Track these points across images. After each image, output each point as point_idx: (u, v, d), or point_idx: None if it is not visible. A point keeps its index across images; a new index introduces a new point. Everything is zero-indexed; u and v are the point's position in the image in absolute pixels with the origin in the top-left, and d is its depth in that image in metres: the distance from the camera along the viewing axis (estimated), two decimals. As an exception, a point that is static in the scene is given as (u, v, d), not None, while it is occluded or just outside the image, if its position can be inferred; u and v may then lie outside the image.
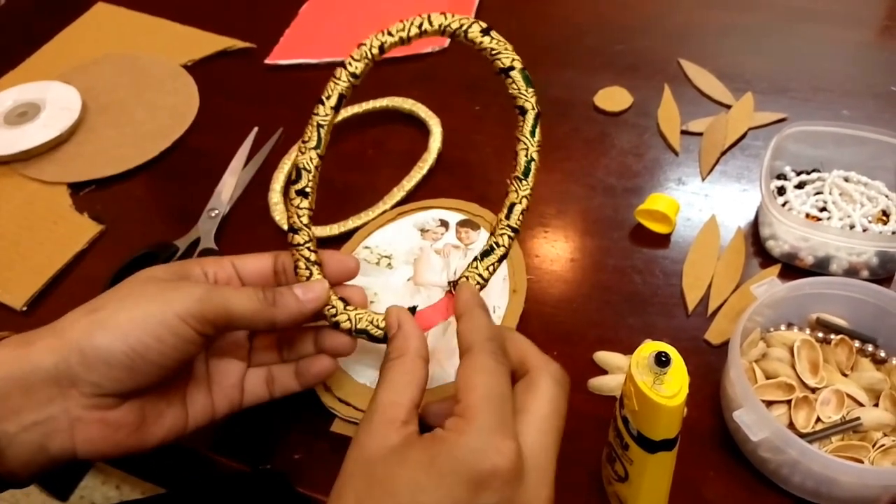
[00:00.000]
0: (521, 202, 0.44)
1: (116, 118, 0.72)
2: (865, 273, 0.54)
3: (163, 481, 0.64)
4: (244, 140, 0.69)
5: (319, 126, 0.44)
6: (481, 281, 0.43)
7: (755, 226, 0.58)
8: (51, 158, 0.68)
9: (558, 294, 0.56)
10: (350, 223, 0.60)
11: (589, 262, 0.58)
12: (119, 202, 0.65)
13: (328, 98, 0.44)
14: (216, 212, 0.62)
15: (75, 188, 0.66)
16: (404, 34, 0.44)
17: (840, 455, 0.42)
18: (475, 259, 0.43)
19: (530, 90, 0.44)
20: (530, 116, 0.44)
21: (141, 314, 0.36)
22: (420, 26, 0.44)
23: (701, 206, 0.61)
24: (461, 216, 0.57)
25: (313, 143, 0.44)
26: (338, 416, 0.47)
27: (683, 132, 0.67)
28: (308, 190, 0.43)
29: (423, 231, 0.57)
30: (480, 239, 0.55)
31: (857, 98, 0.69)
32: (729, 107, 0.68)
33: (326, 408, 0.48)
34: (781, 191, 0.59)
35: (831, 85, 0.70)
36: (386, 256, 0.55)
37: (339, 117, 0.68)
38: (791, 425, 0.45)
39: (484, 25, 0.44)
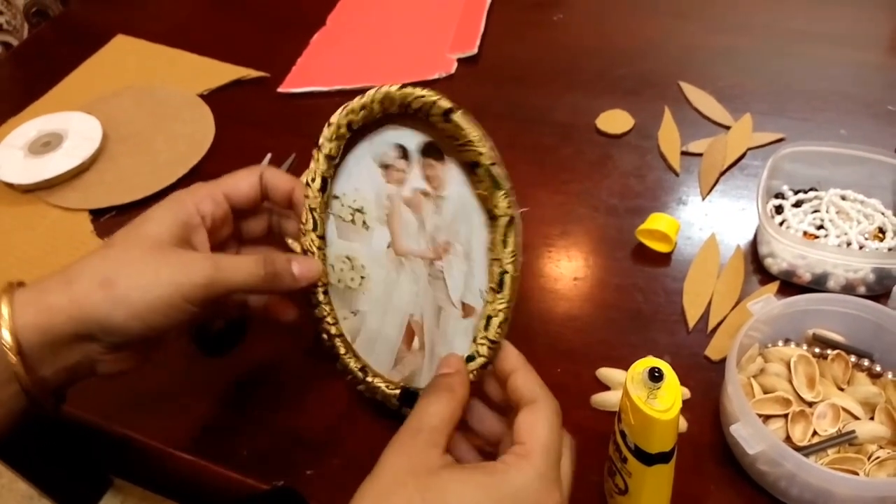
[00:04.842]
0: (497, 315, 0.44)
1: (136, 147, 0.75)
2: (862, 289, 0.55)
3: (180, 498, 0.65)
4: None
5: (311, 209, 0.45)
6: None
7: (754, 244, 0.60)
8: (73, 186, 0.71)
9: (563, 312, 0.57)
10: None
11: (592, 281, 0.59)
12: (138, 228, 0.68)
13: (311, 180, 0.45)
14: (231, 236, 0.64)
15: (96, 215, 0.69)
16: (367, 111, 0.45)
17: (836, 467, 0.43)
18: None
19: (500, 193, 0.44)
20: (500, 224, 0.44)
21: (153, 297, 0.40)
22: (382, 102, 0.46)
23: (701, 225, 0.62)
24: (422, 138, 0.49)
25: (309, 226, 0.45)
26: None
27: (684, 153, 0.68)
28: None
29: (384, 167, 0.49)
30: (450, 179, 0.48)
31: (855, 117, 0.70)
32: (728, 128, 0.70)
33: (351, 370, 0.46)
34: (779, 209, 0.60)
35: (829, 105, 0.72)
36: (357, 210, 0.49)
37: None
38: (788, 439, 0.46)
39: (449, 105, 0.46)
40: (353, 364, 0.45)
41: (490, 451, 0.43)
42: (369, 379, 0.45)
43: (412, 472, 0.36)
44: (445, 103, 0.44)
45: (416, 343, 0.47)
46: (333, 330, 0.45)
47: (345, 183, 0.49)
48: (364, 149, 0.49)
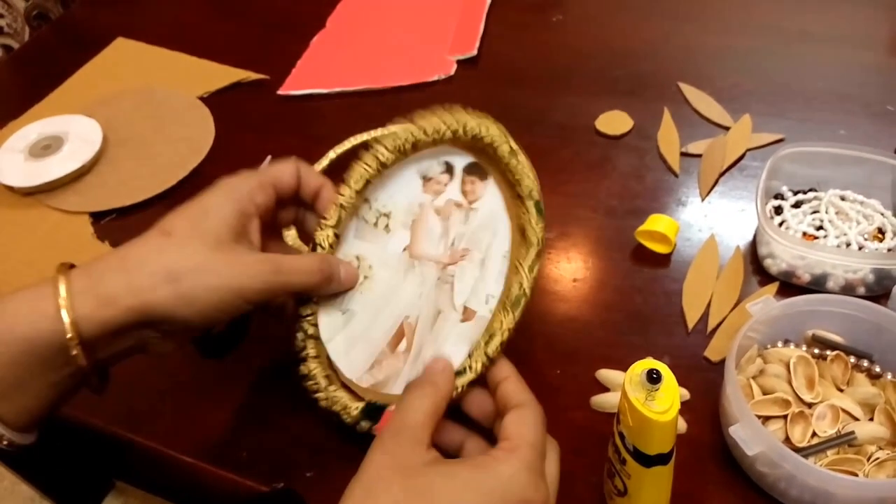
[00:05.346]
0: (502, 334, 0.44)
1: (136, 149, 0.75)
2: (862, 290, 0.55)
3: (181, 500, 0.65)
4: (258, 168, 0.71)
5: (342, 207, 0.47)
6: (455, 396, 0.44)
7: (753, 245, 0.60)
8: (73, 189, 0.71)
9: (562, 314, 0.57)
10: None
11: (591, 283, 0.59)
12: (139, 230, 0.67)
13: (355, 182, 0.47)
14: (231, 238, 0.64)
15: (97, 217, 0.69)
16: (438, 136, 0.47)
17: (835, 468, 0.43)
18: None
19: (540, 225, 0.46)
20: (533, 251, 0.45)
21: (216, 298, 0.41)
22: (455, 132, 0.47)
23: (700, 226, 0.62)
24: (469, 159, 0.50)
25: (332, 222, 0.47)
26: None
27: (683, 154, 0.68)
28: None
29: (425, 179, 0.50)
30: (487, 194, 0.50)
31: (855, 118, 0.70)
32: (727, 128, 0.70)
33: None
34: (779, 210, 0.60)
35: (828, 105, 0.72)
36: (385, 214, 0.50)
37: (349, 145, 0.71)
38: (787, 440, 0.46)
39: (514, 147, 0.46)
40: (318, 370, 0.46)
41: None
42: (332, 388, 0.46)
43: (398, 469, 0.36)
44: (513, 145, 0.47)
45: (402, 345, 0.47)
46: (311, 331, 0.47)
47: (382, 189, 0.50)
48: (412, 161, 0.50)
